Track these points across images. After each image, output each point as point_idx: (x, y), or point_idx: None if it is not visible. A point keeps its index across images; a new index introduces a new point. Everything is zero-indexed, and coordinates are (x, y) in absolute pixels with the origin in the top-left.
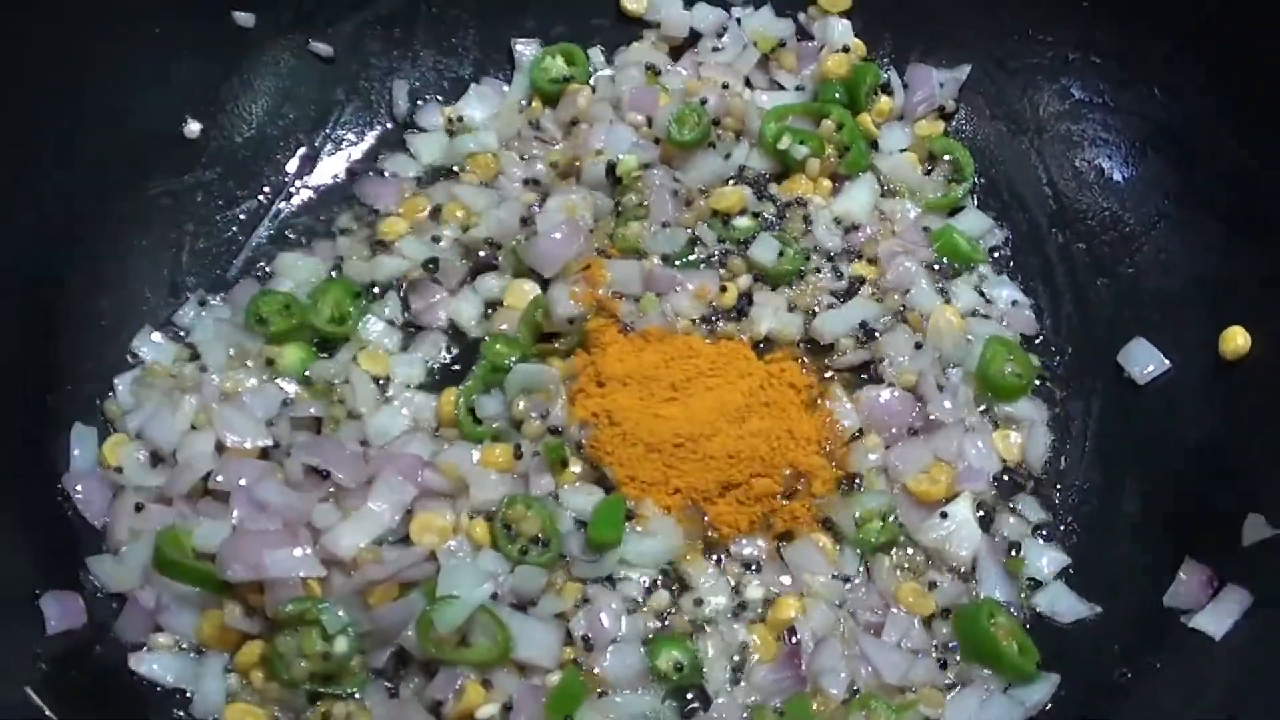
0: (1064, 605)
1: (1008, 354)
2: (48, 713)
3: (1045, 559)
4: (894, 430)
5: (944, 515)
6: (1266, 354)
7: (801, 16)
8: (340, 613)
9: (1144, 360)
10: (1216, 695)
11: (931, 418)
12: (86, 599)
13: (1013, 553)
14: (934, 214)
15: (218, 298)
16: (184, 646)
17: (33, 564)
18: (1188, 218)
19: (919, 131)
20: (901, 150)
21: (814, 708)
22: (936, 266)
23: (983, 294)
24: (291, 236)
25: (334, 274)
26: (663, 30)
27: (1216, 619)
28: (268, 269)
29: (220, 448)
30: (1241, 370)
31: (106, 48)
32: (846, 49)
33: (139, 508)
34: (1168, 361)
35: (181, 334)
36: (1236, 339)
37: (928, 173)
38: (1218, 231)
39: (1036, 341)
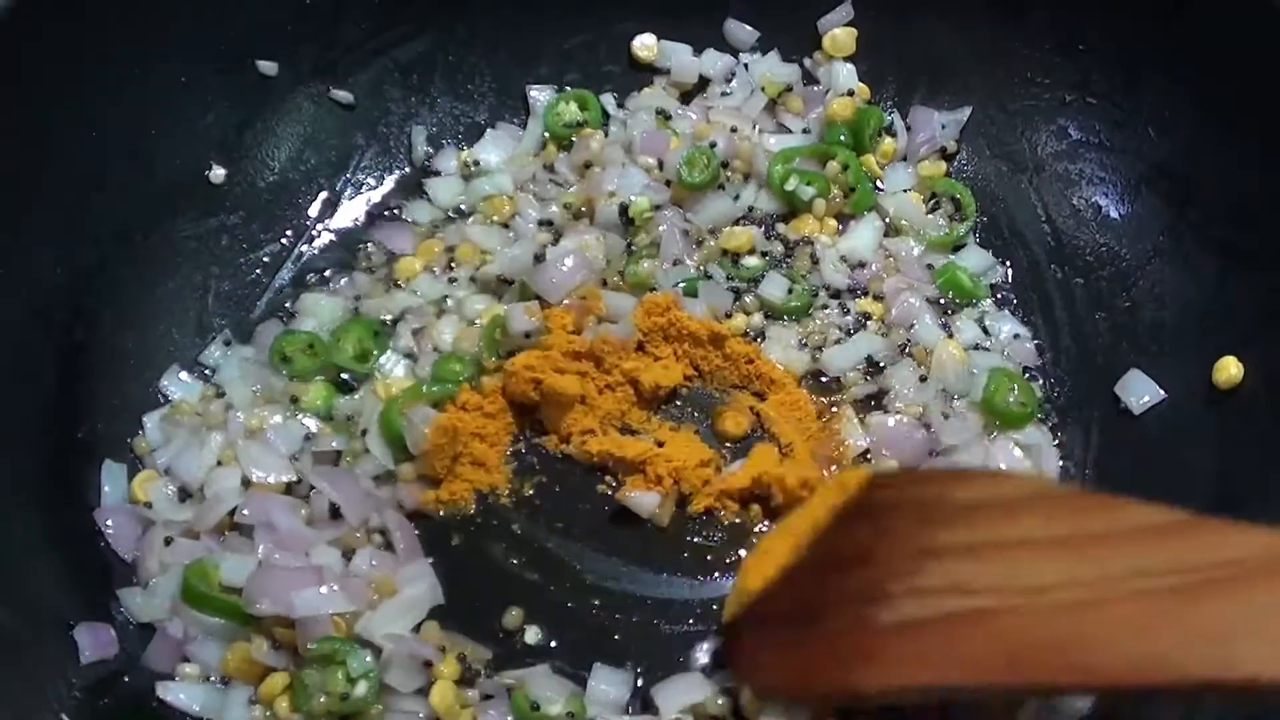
0: None
1: (1011, 384)
2: None
3: None
4: (909, 453)
5: None
6: (1258, 383)
7: (808, 62)
8: (368, 658)
9: (1140, 391)
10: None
11: (944, 444)
12: (117, 629)
13: None
14: (937, 251)
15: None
16: (210, 678)
17: (67, 596)
18: (1182, 252)
19: (922, 171)
20: (905, 190)
21: None
22: (940, 301)
23: (984, 328)
24: (313, 279)
25: (355, 312)
26: (673, 76)
27: None
28: (291, 309)
29: (246, 483)
30: (1234, 399)
31: (134, 95)
32: (851, 92)
33: (168, 541)
34: (1163, 392)
35: (208, 373)
36: (1229, 369)
37: (931, 211)
38: (1212, 265)
39: (1037, 373)
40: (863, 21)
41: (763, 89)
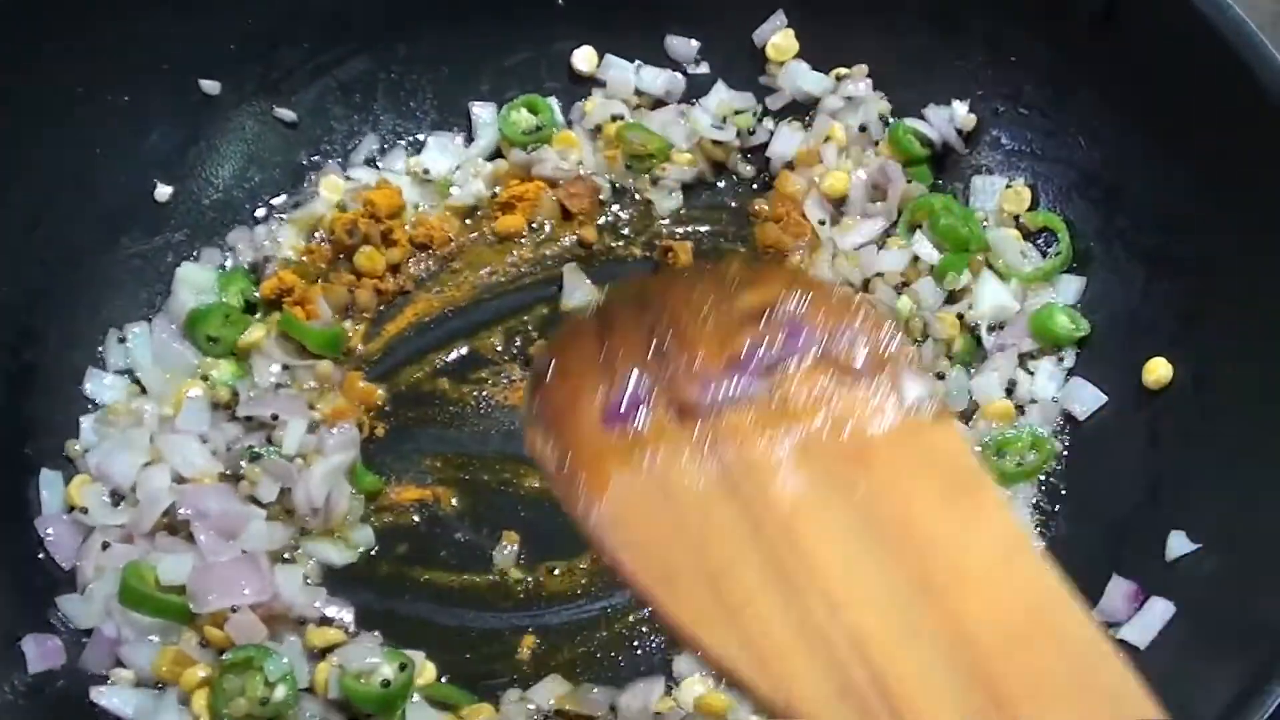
0: None
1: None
2: None
3: None
4: None
5: None
6: (1186, 382)
7: (762, 79)
8: (284, 660)
9: (1084, 398)
10: None
11: None
12: (63, 638)
13: None
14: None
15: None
16: (144, 681)
17: (13, 607)
18: (1111, 258)
19: (1006, 205)
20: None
21: None
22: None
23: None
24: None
25: (223, 268)
26: (608, 90)
27: (1142, 630)
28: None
29: (179, 478)
30: (1163, 399)
31: (79, 116)
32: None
33: (105, 546)
34: (1105, 396)
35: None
36: (1159, 369)
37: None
38: (1140, 271)
39: None
40: (795, 32)
41: (730, 120)
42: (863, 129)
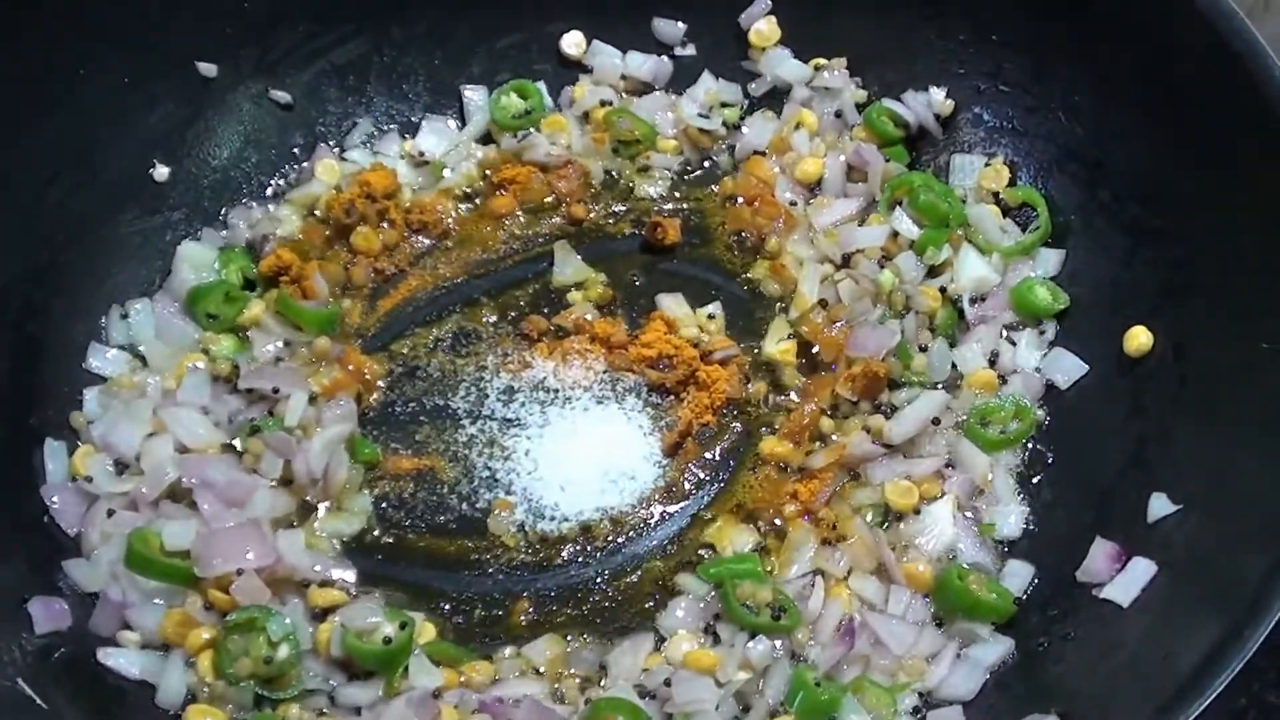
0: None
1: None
2: (37, 701)
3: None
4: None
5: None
6: (1165, 350)
7: (745, 63)
8: (287, 620)
9: (1067, 368)
10: (1124, 656)
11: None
12: (69, 601)
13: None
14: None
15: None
16: (151, 644)
17: (21, 572)
18: (1093, 230)
19: (984, 182)
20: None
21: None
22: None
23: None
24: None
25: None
26: (595, 76)
27: (1125, 589)
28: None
29: (182, 447)
30: (1144, 366)
31: (80, 97)
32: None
33: (110, 514)
34: (1085, 365)
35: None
36: (1139, 338)
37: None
38: (1120, 242)
39: None
40: (780, 13)
41: (718, 114)
42: (838, 115)
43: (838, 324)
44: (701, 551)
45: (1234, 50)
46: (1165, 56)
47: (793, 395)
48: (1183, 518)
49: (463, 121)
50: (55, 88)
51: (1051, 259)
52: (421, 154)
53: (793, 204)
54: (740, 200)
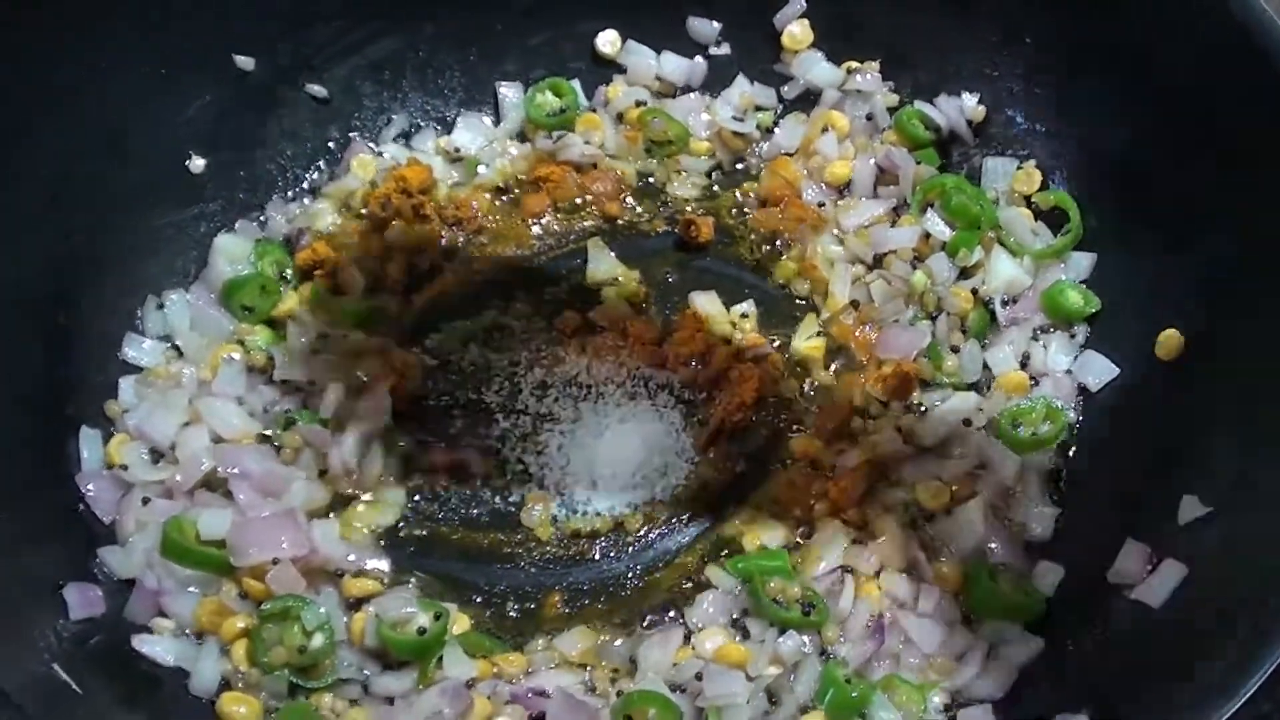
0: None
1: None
2: (73, 685)
3: None
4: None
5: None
6: (1196, 353)
7: (777, 66)
8: (322, 609)
9: (1098, 370)
10: (1153, 658)
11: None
12: (104, 588)
13: None
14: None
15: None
16: (186, 632)
17: (57, 558)
18: (1125, 233)
19: (1017, 186)
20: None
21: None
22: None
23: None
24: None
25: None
26: (629, 76)
27: (1155, 591)
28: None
29: (217, 438)
30: (1175, 369)
31: (115, 88)
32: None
33: (145, 502)
34: (1116, 368)
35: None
36: (1171, 341)
37: None
38: (1151, 244)
39: None
40: (813, 16)
41: (752, 117)
42: (869, 118)
43: (868, 325)
44: (732, 548)
45: (1268, 53)
46: (1198, 59)
47: (824, 394)
48: (1213, 520)
49: (498, 118)
50: (91, 80)
51: (1083, 262)
52: (457, 150)
53: (820, 205)
54: (765, 202)
